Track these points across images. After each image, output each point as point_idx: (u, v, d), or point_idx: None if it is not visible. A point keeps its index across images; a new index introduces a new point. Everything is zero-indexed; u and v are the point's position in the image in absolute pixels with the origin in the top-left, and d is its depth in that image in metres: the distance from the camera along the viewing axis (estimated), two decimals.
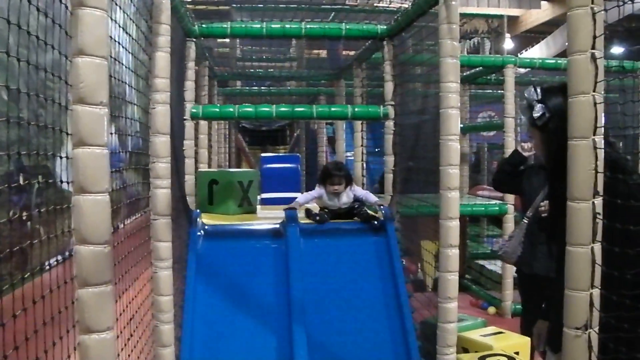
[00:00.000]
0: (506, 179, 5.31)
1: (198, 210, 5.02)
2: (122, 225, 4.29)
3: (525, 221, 5.01)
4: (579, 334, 2.14)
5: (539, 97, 2.55)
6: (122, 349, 2.83)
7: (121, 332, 2.82)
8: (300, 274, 4.47)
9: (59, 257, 3.23)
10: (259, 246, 4.82)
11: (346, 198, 5.19)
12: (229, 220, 5.24)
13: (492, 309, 7.72)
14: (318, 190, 5.24)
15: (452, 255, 3.76)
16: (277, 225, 4.95)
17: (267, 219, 5.27)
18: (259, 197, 6.16)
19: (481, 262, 9.28)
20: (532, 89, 2.59)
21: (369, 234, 4.92)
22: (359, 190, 5.30)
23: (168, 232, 3.63)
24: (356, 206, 5.19)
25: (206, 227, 4.88)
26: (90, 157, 1.92)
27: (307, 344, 4.04)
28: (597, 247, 2.13)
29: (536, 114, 2.53)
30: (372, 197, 5.24)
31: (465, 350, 5.10)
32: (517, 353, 4.92)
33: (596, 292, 2.14)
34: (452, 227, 3.73)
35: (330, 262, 4.68)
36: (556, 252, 2.44)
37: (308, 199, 5.24)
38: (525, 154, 4.88)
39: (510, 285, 7.39)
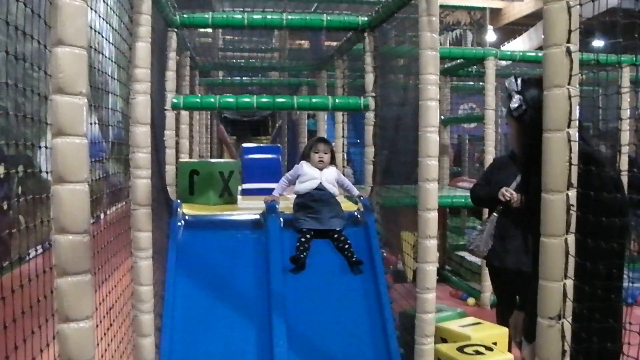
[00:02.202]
0: (484, 206, 5.50)
1: (178, 201, 5.03)
2: (103, 215, 4.28)
3: (496, 214, 5.04)
4: (553, 323, 2.17)
5: (519, 88, 2.58)
6: (101, 338, 2.84)
7: (101, 322, 2.83)
8: (280, 264, 4.49)
9: (40, 248, 3.23)
10: (239, 237, 4.83)
11: (330, 176, 4.99)
12: (209, 210, 5.24)
13: (471, 300, 7.78)
14: (295, 168, 5.07)
15: (431, 246, 3.79)
16: (258, 216, 4.97)
17: (247, 209, 5.28)
18: (240, 188, 6.17)
19: (461, 253, 9.32)
20: (513, 80, 2.62)
21: (349, 224, 4.94)
22: (343, 178, 5.21)
23: (148, 222, 3.63)
24: (335, 235, 4.82)
25: (187, 217, 4.89)
26: (70, 147, 1.93)
27: (286, 334, 4.06)
28: (571, 238, 2.16)
29: (513, 105, 2.56)
30: (354, 189, 5.22)
31: (444, 341, 5.13)
32: (495, 343, 4.97)
33: (569, 282, 2.17)
34: (430, 218, 3.76)
35: (310, 252, 4.70)
36: (532, 244, 2.47)
37: (284, 187, 5.13)
38: (502, 198, 4.83)
39: (489, 277, 7.44)
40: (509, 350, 5.06)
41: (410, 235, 4.78)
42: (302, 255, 4.57)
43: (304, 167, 5.00)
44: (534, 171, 2.31)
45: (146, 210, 3.61)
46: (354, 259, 4.62)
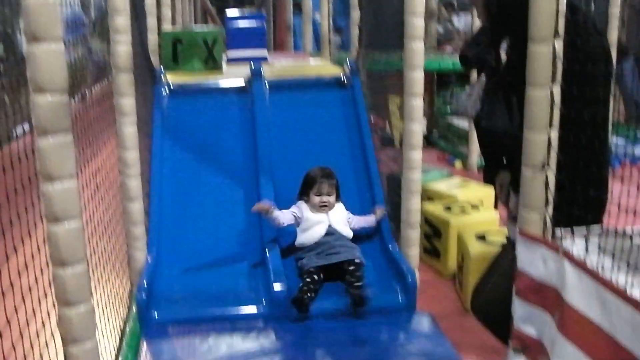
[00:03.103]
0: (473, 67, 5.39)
1: (162, 68, 4.97)
2: (89, 93, 4.23)
3: (484, 76, 5.02)
4: (537, 173, 2.19)
5: None
6: (88, 201, 2.86)
7: (87, 184, 2.83)
8: (266, 127, 4.49)
9: (26, 126, 3.21)
10: (225, 102, 4.81)
11: (340, 215, 3.96)
12: (194, 78, 5.19)
13: (458, 164, 7.87)
14: (297, 206, 3.96)
15: (417, 105, 3.78)
16: (243, 81, 4.92)
17: (232, 75, 5.23)
18: (224, 56, 6.09)
19: (449, 119, 9.36)
20: None
21: (335, 87, 4.90)
22: (354, 217, 4.04)
23: (130, 87, 3.59)
24: (351, 267, 3.66)
25: (171, 84, 4.85)
26: (42, 4, 1.87)
27: (274, 196, 4.10)
28: (557, 88, 2.15)
29: None
30: (371, 218, 4.12)
31: (431, 200, 5.23)
32: (481, 202, 5.06)
33: (554, 132, 2.18)
34: (415, 77, 3.73)
35: (296, 115, 4.69)
36: (517, 105, 2.47)
37: (287, 217, 3.91)
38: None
39: (476, 140, 7.47)
40: (495, 208, 5.15)
41: (398, 99, 4.78)
42: (305, 297, 3.48)
43: (304, 210, 3.93)
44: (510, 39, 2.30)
45: (128, 75, 3.56)
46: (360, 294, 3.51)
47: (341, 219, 3.95)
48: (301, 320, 3.45)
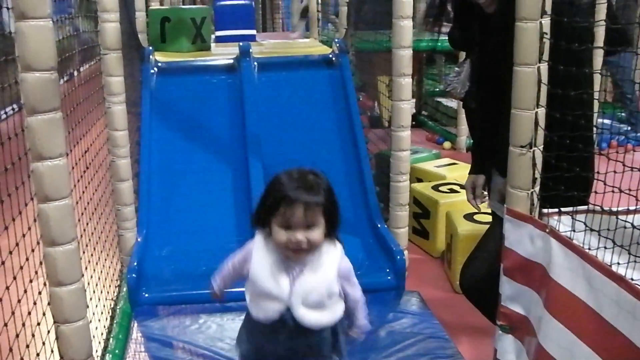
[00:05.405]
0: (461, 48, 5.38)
1: (150, 48, 4.95)
2: (76, 73, 4.22)
3: (473, 56, 5.02)
4: (524, 152, 2.20)
5: None
6: (78, 180, 2.86)
7: (76, 164, 2.83)
8: (255, 107, 4.48)
9: (15, 106, 3.20)
10: (213, 81, 4.79)
11: (318, 286, 2.18)
12: (182, 57, 5.17)
13: (447, 144, 7.86)
14: (246, 249, 2.28)
15: (405, 84, 3.78)
16: (231, 60, 4.91)
17: (221, 55, 5.21)
18: (213, 36, 6.08)
19: (438, 99, 9.35)
20: None
21: (324, 66, 4.89)
22: (353, 280, 2.30)
23: (119, 66, 3.58)
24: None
25: (159, 63, 4.83)
26: None
27: (263, 176, 4.10)
28: (544, 66, 2.16)
29: None
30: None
31: (420, 180, 5.24)
32: None
33: (541, 111, 2.18)
34: (404, 56, 3.73)
35: (284, 95, 4.68)
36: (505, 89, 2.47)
37: (225, 275, 2.39)
38: None
39: (465, 121, 7.48)
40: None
41: (387, 79, 4.78)
42: None
43: (256, 255, 2.23)
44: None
45: (116, 54, 3.55)
46: None
47: (318, 296, 2.19)
48: None
